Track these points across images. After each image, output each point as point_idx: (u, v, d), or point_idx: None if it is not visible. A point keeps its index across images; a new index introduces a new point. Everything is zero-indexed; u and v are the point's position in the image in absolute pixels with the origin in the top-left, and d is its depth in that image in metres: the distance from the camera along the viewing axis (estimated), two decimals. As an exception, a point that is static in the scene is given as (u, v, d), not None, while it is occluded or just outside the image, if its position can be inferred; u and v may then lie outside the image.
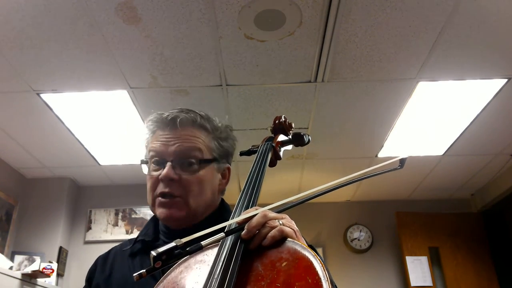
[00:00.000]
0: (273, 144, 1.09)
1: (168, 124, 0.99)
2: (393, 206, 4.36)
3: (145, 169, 1.02)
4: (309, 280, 0.59)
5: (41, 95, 2.67)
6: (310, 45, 2.30)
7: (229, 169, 1.09)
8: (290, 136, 1.17)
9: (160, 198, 0.97)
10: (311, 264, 0.61)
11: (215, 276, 0.65)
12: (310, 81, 2.61)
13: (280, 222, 0.72)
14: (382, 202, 4.48)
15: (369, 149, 3.45)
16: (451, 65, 2.47)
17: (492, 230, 4.15)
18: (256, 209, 0.74)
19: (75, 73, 2.48)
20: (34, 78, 2.50)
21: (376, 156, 3.54)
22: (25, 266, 3.39)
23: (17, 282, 2.74)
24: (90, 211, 3.95)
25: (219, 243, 0.72)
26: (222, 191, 1.10)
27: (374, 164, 3.89)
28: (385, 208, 4.42)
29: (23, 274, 2.81)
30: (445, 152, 3.46)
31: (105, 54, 2.34)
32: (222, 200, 1.09)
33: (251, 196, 0.85)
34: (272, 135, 1.16)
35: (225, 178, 1.08)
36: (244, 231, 0.71)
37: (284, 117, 1.19)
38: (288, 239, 0.69)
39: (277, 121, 1.18)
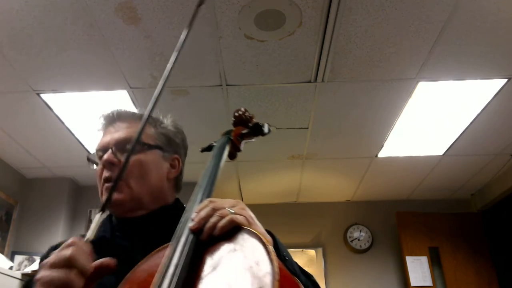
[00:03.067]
0: (231, 137, 1.09)
1: (108, 118, 1.05)
2: (393, 206, 4.36)
3: (93, 166, 1.05)
4: (256, 265, 0.61)
5: (41, 95, 2.67)
6: (310, 45, 2.30)
7: (178, 159, 1.09)
8: (250, 128, 1.16)
9: (104, 184, 0.99)
10: (256, 249, 0.63)
11: (167, 272, 0.65)
12: (310, 81, 2.61)
13: (232, 211, 0.72)
14: (382, 202, 4.48)
15: (369, 149, 3.45)
16: (451, 65, 2.47)
17: (492, 230, 4.15)
18: (211, 202, 0.74)
19: (75, 73, 2.48)
20: (34, 78, 2.51)
21: (376, 156, 3.54)
22: (25, 266, 3.39)
23: (17, 282, 2.74)
24: (90, 211, 3.95)
25: (175, 238, 0.72)
26: (177, 185, 1.09)
27: (374, 164, 3.87)
28: (385, 208, 4.42)
29: (23, 274, 2.81)
30: (445, 152, 3.46)
31: (105, 54, 2.34)
32: (178, 199, 1.09)
33: (206, 190, 0.84)
34: (232, 129, 1.16)
35: (174, 168, 1.08)
36: (192, 223, 0.71)
37: (243, 108, 1.18)
38: (242, 227, 0.70)
39: (236, 114, 1.17)
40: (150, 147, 1.02)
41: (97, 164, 1.03)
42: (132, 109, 3.03)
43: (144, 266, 0.77)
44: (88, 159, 1.05)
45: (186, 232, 0.71)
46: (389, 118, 3.01)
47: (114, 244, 0.97)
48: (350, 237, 4.33)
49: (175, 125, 1.12)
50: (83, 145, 3.29)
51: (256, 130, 1.14)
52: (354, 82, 2.62)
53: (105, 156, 0.98)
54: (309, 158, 3.63)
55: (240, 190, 4.20)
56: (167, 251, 0.71)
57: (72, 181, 3.94)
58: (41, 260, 1.03)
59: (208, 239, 0.70)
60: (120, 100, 2.75)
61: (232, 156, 1.10)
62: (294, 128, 3.14)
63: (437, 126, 3.10)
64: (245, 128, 1.15)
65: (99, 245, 0.97)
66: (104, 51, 2.32)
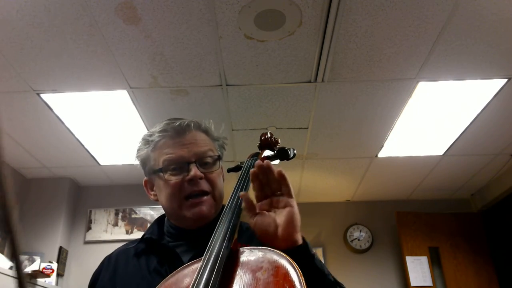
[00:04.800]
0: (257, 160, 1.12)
1: (180, 130, 1.04)
2: (393, 206, 4.36)
3: (161, 177, 1.03)
4: (286, 286, 0.63)
5: (41, 95, 2.67)
6: (310, 45, 2.30)
7: (222, 168, 1.14)
8: (275, 151, 1.21)
9: (191, 199, 0.99)
10: (287, 271, 0.65)
11: (198, 287, 0.68)
12: (310, 81, 2.61)
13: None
14: (382, 202, 4.48)
15: (369, 149, 3.45)
16: (451, 65, 2.47)
17: (492, 230, 4.15)
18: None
19: (75, 73, 2.48)
20: (34, 78, 2.51)
21: (376, 156, 3.54)
22: (25, 266, 3.38)
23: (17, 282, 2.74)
24: (90, 211, 3.95)
25: (207, 255, 0.76)
26: None
27: (374, 164, 3.89)
28: (385, 208, 4.42)
29: (23, 274, 2.81)
30: (445, 152, 3.46)
31: (105, 54, 2.34)
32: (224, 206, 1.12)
33: (235, 211, 0.87)
34: (259, 151, 1.20)
35: (223, 178, 1.13)
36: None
37: (270, 133, 1.24)
38: (268, 248, 0.73)
39: (263, 137, 1.22)
40: (219, 158, 1.08)
41: (160, 176, 1.02)
42: (132, 109, 3.03)
43: (172, 281, 0.79)
44: (161, 170, 1.03)
45: (217, 249, 0.74)
46: (389, 118, 3.01)
47: (163, 246, 1.02)
48: (350, 237, 4.33)
49: (219, 132, 1.15)
50: (83, 145, 3.29)
51: (282, 155, 1.18)
52: (354, 82, 2.62)
53: (193, 172, 0.99)
54: (309, 158, 3.63)
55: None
56: (197, 266, 0.74)
57: (72, 181, 3.94)
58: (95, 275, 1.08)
59: (238, 257, 0.73)
60: (120, 100, 2.75)
61: None
62: (294, 128, 3.14)
63: (437, 126, 3.10)
64: (271, 151, 1.19)
65: (149, 246, 1.03)
66: (104, 51, 2.31)
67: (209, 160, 1.04)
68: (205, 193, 1.00)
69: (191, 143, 1.03)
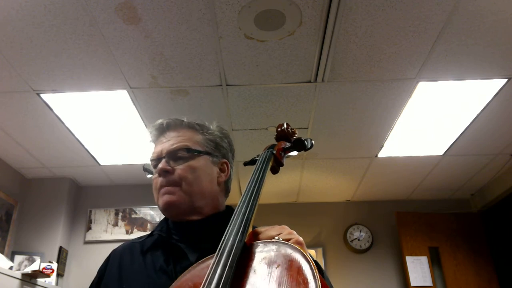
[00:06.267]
0: (274, 152, 1.11)
1: (159, 129, 1.10)
2: (393, 206, 4.36)
3: (148, 175, 1.10)
4: (300, 281, 0.62)
5: (41, 95, 2.67)
6: (310, 45, 2.30)
7: (227, 164, 1.13)
8: (292, 142, 1.19)
9: (160, 190, 1.03)
10: (301, 265, 0.65)
11: (212, 282, 0.67)
12: (310, 81, 2.61)
13: (280, 239, 0.76)
14: (382, 202, 4.48)
15: (369, 149, 3.45)
16: (451, 65, 2.47)
17: (492, 230, 4.15)
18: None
19: (75, 73, 2.48)
20: (34, 78, 2.51)
21: (376, 156, 3.54)
22: (25, 266, 3.39)
23: (17, 282, 2.74)
24: (90, 211, 3.95)
25: (220, 250, 0.75)
26: (226, 189, 1.13)
27: (374, 164, 3.88)
28: (385, 208, 4.42)
29: (23, 274, 2.81)
30: (445, 152, 3.46)
31: (105, 54, 2.34)
32: (229, 207, 1.12)
33: (249, 204, 0.87)
34: (275, 143, 1.18)
35: (224, 172, 1.11)
36: None
37: (286, 124, 1.22)
38: (282, 242, 0.72)
39: (279, 129, 1.21)
40: (199, 153, 1.07)
41: (152, 174, 1.08)
42: (132, 109, 3.03)
43: (188, 277, 0.79)
44: (144, 169, 1.10)
45: (230, 243, 0.74)
46: (389, 118, 3.01)
47: (171, 244, 1.02)
48: (350, 237, 4.33)
49: (221, 130, 1.16)
50: (83, 145, 3.30)
51: (299, 145, 1.17)
52: (354, 82, 2.62)
53: (160, 165, 1.03)
54: (309, 158, 3.63)
55: (240, 190, 4.20)
56: (211, 261, 0.73)
57: (72, 181, 3.94)
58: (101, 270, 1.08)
59: (252, 251, 0.73)
60: (120, 100, 2.75)
61: (274, 170, 1.12)
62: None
63: (437, 126, 3.10)
64: (288, 143, 1.18)
65: (156, 244, 1.03)
66: (104, 51, 2.32)
67: (182, 154, 1.04)
68: (171, 184, 1.02)
69: (169, 140, 1.07)
